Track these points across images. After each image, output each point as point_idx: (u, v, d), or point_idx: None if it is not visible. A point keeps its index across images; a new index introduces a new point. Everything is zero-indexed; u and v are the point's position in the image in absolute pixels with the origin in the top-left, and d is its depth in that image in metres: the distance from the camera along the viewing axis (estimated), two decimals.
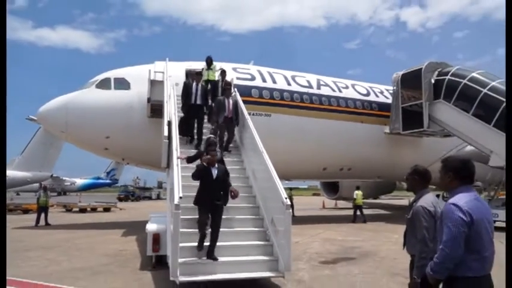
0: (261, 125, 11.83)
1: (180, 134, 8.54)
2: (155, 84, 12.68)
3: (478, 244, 2.56)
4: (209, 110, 10.41)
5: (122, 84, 13.70)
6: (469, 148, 16.21)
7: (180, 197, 5.61)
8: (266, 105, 14.91)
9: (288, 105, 15.39)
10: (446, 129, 15.29)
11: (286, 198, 6.03)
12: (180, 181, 6.18)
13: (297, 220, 15.27)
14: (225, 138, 9.57)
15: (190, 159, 7.32)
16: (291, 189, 24.60)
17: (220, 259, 5.84)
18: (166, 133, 8.27)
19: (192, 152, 8.24)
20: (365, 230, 13.56)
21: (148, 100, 12.79)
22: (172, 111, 8.97)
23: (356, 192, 18.29)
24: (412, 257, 3.27)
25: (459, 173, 2.75)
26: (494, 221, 12.06)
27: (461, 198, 2.61)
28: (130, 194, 47.23)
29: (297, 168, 16.32)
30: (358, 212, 17.53)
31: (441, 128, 15.44)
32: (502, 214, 13.33)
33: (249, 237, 6.59)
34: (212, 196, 6.00)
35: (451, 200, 2.62)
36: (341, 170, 17.46)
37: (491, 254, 2.64)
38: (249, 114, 10.09)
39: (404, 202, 32.91)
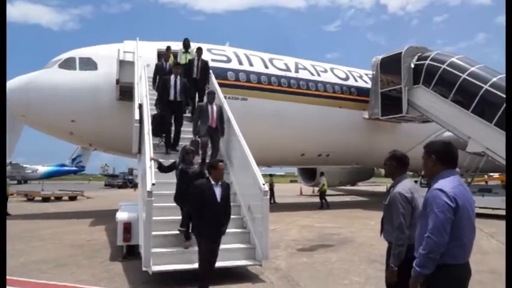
0: (237, 109, 11.76)
1: (153, 134, 7.80)
2: (124, 65, 12.37)
3: (460, 231, 2.59)
4: (190, 105, 9.60)
5: (88, 64, 13.28)
6: (447, 134, 16.71)
7: (153, 184, 5.54)
8: (242, 89, 14.83)
9: (265, 89, 15.37)
10: (425, 115, 15.67)
11: (264, 184, 6.07)
12: (153, 167, 6.10)
13: (274, 207, 15.43)
14: (209, 153, 8.24)
15: (163, 168, 6.33)
16: (271, 175, 24.72)
17: (196, 248, 5.82)
18: (137, 116, 8.11)
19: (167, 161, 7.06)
20: (343, 217, 13.86)
21: (117, 82, 12.49)
22: (143, 93, 8.79)
23: (323, 178, 18.89)
24: (389, 244, 3.35)
25: (442, 156, 2.76)
26: None
27: (447, 184, 2.62)
28: (129, 181, 46.63)
29: (274, 154, 16.42)
30: (322, 199, 18.10)
31: (420, 113, 15.81)
32: (478, 200, 13.91)
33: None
34: (217, 223, 4.84)
35: (436, 185, 2.62)
36: (319, 156, 17.69)
37: (471, 240, 2.68)
38: (225, 97, 10.00)
39: (382, 189, 33.80)
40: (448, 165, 2.75)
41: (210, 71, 10.87)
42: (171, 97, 8.89)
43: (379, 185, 42.33)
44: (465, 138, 14.32)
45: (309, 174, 26.75)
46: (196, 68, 10.44)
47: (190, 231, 5.64)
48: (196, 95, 10.33)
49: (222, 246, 6.09)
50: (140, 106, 8.33)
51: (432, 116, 15.39)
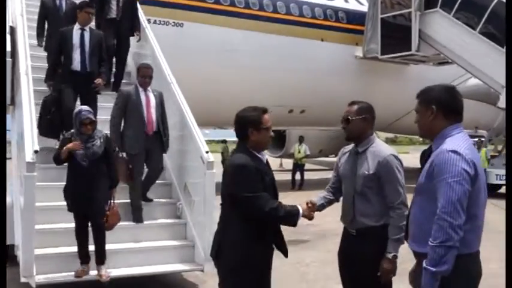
0: (167, 39, 11.53)
1: (42, 133, 6.73)
2: None
3: (476, 208, 2.70)
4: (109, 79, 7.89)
5: None
6: (472, 81, 17.32)
7: (36, 151, 5.39)
8: (175, 9, 14.63)
9: (210, 9, 15.20)
10: (443, 53, 16.13)
11: (207, 152, 6.09)
12: (35, 125, 5.91)
13: None
14: (144, 176, 6.84)
15: (58, 159, 5.60)
16: (225, 141, 24.76)
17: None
18: (8, 47, 7.75)
19: None
20: None
21: None
22: (17, 11, 8.41)
23: (296, 146, 19.24)
24: (356, 231, 3.61)
25: (445, 106, 2.83)
26: (501, 185, 13.22)
27: (460, 143, 2.72)
28: None
29: (223, 109, 16.32)
30: (295, 175, 18.64)
31: (436, 51, 16.23)
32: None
33: (150, 212, 6.59)
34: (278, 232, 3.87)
35: (447, 146, 2.70)
36: (290, 113, 17.83)
37: (483, 221, 2.81)
38: (149, 22, 9.74)
39: None
40: (453, 118, 2.84)
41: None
42: (76, 66, 7.20)
43: None
44: (497, 88, 14.93)
45: (275, 141, 26.99)
46: (116, 1, 8.65)
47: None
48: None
49: (146, 245, 6.15)
50: (12, 30, 7.96)
51: (452, 55, 15.85)
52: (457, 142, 2.71)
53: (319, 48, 17.12)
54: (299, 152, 18.89)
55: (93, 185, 5.51)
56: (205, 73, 14.84)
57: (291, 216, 3.56)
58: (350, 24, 17.91)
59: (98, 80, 7.10)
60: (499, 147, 17.25)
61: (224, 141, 24.82)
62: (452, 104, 2.84)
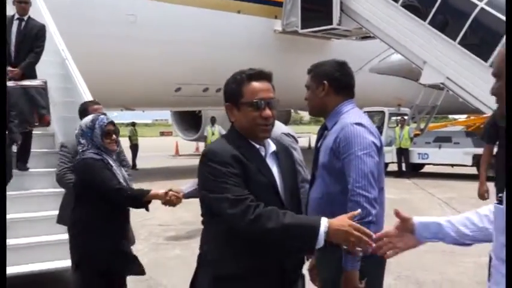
0: (62, 9, 11.20)
1: None
2: None
3: (381, 181, 2.80)
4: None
5: None
6: (395, 57, 17.92)
7: None
8: None
9: None
10: (365, 28, 16.55)
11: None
12: None
13: (136, 175, 15.33)
14: None
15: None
16: (134, 124, 24.30)
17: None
18: None
19: None
20: None
21: None
22: None
23: (208, 128, 19.35)
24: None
25: (337, 82, 2.91)
26: (423, 164, 13.80)
27: (360, 116, 2.84)
28: None
29: (130, 88, 16.11)
30: None
31: (358, 25, 16.65)
32: (433, 154, 15.38)
33: (43, 203, 6.42)
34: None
35: (350, 119, 2.77)
36: (205, 92, 17.79)
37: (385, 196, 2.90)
38: None
39: (305, 141, 35.25)
40: (345, 94, 2.94)
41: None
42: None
43: (299, 135, 44.12)
44: (419, 64, 15.54)
45: (190, 123, 26.88)
46: (15, 35, 6.81)
47: None
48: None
49: (35, 240, 5.95)
50: None
51: (375, 30, 16.31)
52: (357, 115, 2.83)
53: (235, 20, 17.17)
54: (213, 134, 18.81)
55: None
56: (108, 48, 14.57)
57: (305, 231, 2.23)
58: None
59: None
60: (422, 126, 17.99)
61: (133, 124, 24.38)
62: (344, 79, 2.93)
